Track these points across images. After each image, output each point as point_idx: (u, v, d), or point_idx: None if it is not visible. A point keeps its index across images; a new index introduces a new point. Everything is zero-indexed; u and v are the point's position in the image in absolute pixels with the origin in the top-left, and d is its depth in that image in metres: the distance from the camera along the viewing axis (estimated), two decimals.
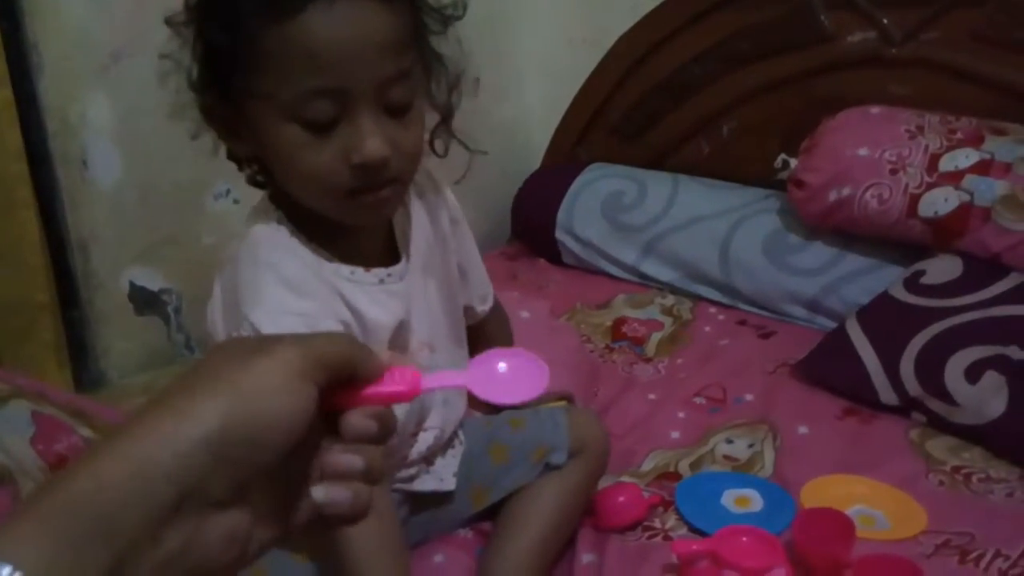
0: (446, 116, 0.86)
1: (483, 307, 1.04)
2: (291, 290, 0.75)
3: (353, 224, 0.80)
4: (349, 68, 0.69)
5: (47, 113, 1.31)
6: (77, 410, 1.05)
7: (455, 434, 0.99)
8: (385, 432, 0.41)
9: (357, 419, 0.41)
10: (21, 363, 1.25)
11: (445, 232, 0.94)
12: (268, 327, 0.72)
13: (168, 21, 0.77)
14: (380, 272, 0.83)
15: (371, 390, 0.42)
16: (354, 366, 0.41)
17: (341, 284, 0.80)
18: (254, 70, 0.70)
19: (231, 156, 0.84)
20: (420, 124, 0.78)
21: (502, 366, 0.46)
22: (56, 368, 1.29)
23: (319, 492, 0.40)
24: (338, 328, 0.77)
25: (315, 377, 0.39)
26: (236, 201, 1.47)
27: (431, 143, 0.87)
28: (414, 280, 0.87)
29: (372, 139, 0.71)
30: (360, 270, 0.82)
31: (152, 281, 1.44)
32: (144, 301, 1.44)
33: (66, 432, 0.99)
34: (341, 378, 0.40)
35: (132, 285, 1.42)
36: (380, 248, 0.86)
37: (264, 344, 0.39)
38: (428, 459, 0.96)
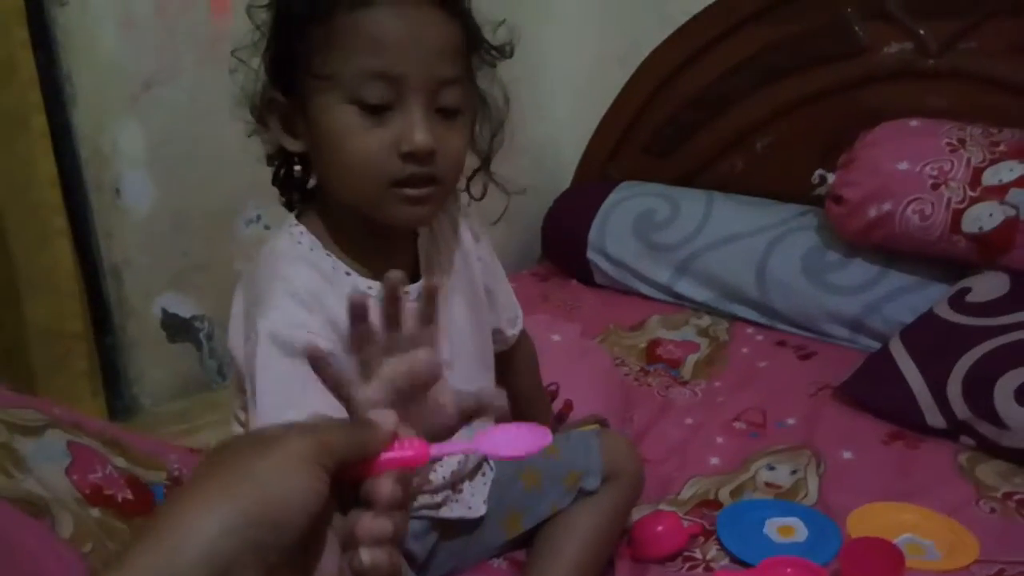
0: (485, 160, 0.89)
1: (512, 331, 1.04)
2: (299, 303, 0.76)
3: (386, 222, 0.81)
4: (408, 57, 0.74)
5: (80, 142, 1.33)
6: (111, 439, 1.04)
7: (484, 460, 0.97)
8: (409, 496, 0.44)
9: (385, 487, 0.44)
10: (56, 392, 1.26)
11: (469, 251, 0.94)
12: (273, 337, 0.74)
13: (248, 9, 0.80)
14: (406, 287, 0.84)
15: (384, 457, 0.45)
16: (360, 447, 0.44)
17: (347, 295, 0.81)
18: (322, 49, 0.75)
19: (276, 157, 0.86)
20: (466, 134, 0.82)
21: (506, 430, 0.51)
22: (90, 396, 1.30)
23: (365, 557, 0.43)
24: (333, 345, 0.76)
25: (325, 462, 0.42)
26: (267, 227, 1.48)
27: (467, 186, 0.90)
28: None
29: (422, 130, 0.75)
30: (378, 284, 0.81)
31: (184, 308, 1.45)
32: (176, 328, 1.44)
33: (101, 462, 0.99)
34: (348, 460, 0.43)
35: (164, 312, 1.43)
36: (402, 266, 0.85)
37: (274, 437, 0.41)
38: (454, 485, 0.94)
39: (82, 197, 1.33)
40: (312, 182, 0.87)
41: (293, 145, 0.80)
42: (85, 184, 1.33)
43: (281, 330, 0.75)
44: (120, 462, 1.00)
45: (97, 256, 1.35)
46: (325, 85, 0.75)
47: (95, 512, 0.91)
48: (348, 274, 0.82)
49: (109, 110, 1.36)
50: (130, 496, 0.97)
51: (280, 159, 0.87)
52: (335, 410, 0.73)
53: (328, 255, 0.81)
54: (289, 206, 0.88)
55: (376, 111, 0.75)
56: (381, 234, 0.83)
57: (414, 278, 0.87)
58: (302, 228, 0.82)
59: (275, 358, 0.74)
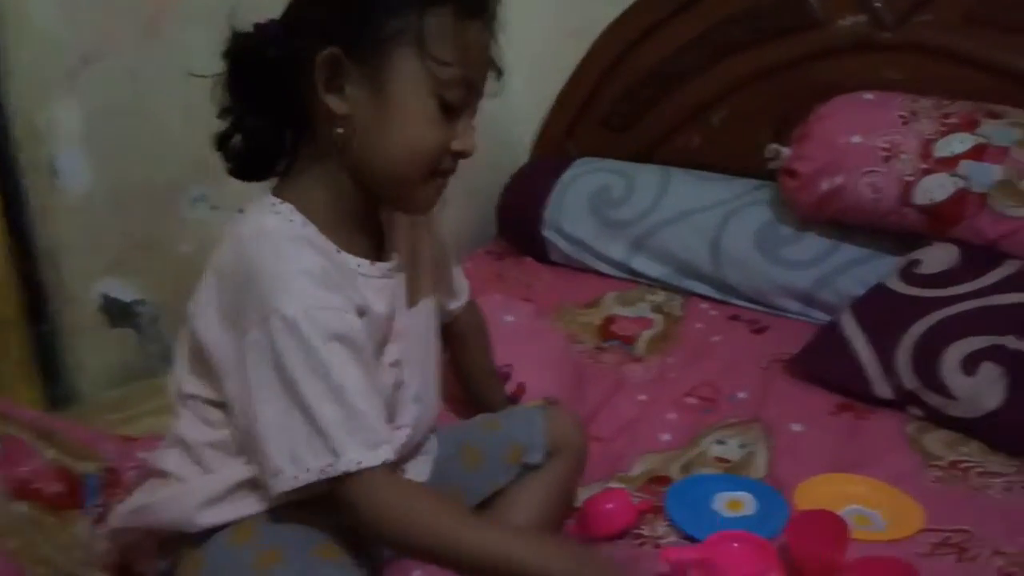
0: None
1: (455, 303, 1.05)
2: (319, 284, 0.76)
3: (399, 205, 0.87)
4: (486, 70, 0.82)
5: (13, 119, 1.27)
6: (45, 430, 1.02)
7: (427, 439, 0.96)
8: None
9: None
10: None
11: (420, 224, 0.94)
12: (303, 321, 0.73)
13: None
14: (383, 266, 0.86)
15: None
16: None
17: (352, 275, 0.82)
18: (439, 37, 0.77)
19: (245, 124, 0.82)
20: None
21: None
22: (25, 386, 1.26)
23: None
24: (357, 320, 0.78)
25: None
26: (214, 207, 1.44)
27: None
28: (403, 274, 0.90)
29: (472, 136, 0.82)
30: (366, 263, 0.84)
31: (125, 292, 1.40)
32: (117, 313, 1.40)
33: (30, 455, 0.97)
34: None
35: (104, 297, 1.39)
36: (374, 242, 0.87)
37: None
38: (398, 464, 0.93)
39: (15, 177, 1.28)
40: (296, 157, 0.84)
41: (339, 107, 0.78)
42: (18, 163, 1.28)
43: (309, 313, 0.74)
44: (51, 454, 0.98)
45: (32, 239, 1.30)
46: (420, 73, 0.77)
47: (22, 507, 0.89)
48: (338, 252, 0.81)
49: (45, 86, 1.30)
50: (60, 489, 0.95)
51: (237, 123, 0.82)
52: (374, 388, 0.76)
53: (319, 233, 0.80)
54: (241, 174, 0.85)
55: (450, 110, 0.79)
56: (363, 212, 0.85)
57: (380, 250, 0.87)
58: (289, 206, 0.80)
59: (307, 342, 0.73)
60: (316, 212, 0.81)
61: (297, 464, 0.73)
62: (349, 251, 0.82)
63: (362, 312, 0.80)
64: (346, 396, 0.74)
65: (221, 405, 0.81)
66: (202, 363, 0.81)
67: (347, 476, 0.73)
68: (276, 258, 0.76)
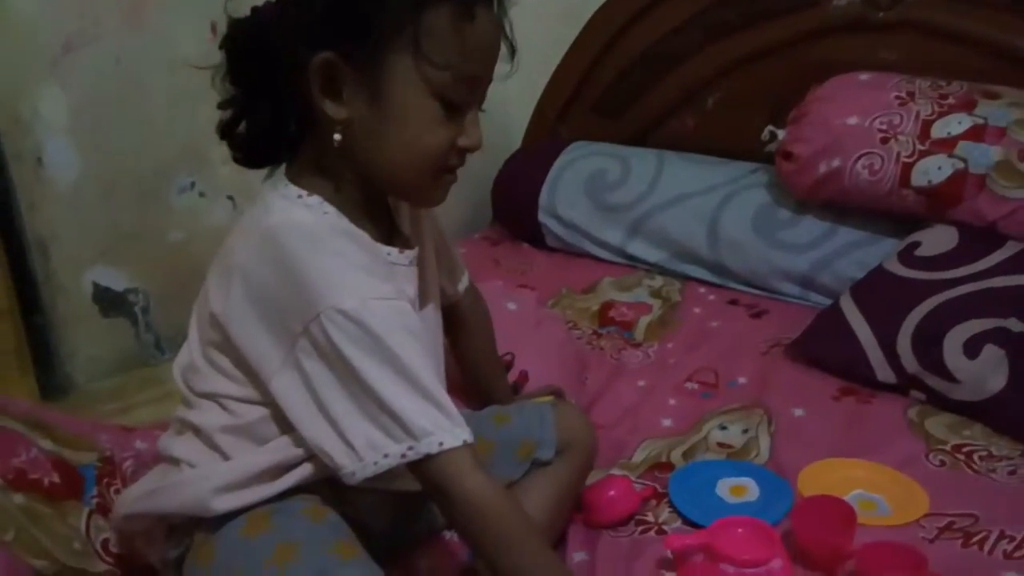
0: None
1: (456, 287, 1.05)
2: (369, 274, 0.76)
3: (410, 200, 0.88)
4: (489, 66, 0.79)
5: None
6: (38, 421, 1.00)
7: None
8: None
9: None
10: None
11: (419, 211, 0.94)
12: (363, 312, 0.73)
13: None
14: (410, 254, 0.86)
15: None
16: None
17: (388, 264, 0.82)
18: (434, 37, 0.75)
19: (247, 112, 0.81)
20: None
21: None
22: (19, 376, 1.25)
23: None
24: (408, 307, 0.79)
25: None
26: (202, 194, 1.41)
27: None
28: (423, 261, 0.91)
29: (479, 129, 0.80)
30: (395, 251, 0.84)
31: (117, 281, 1.39)
32: (109, 302, 1.39)
33: (25, 446, 0.95)
34: None
35: (96, 286, 1.38)
36: (388, 230, 0.87)
37: None
38: None
39: (1, 168, 1.26)
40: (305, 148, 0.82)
41: (337, 112, 0.76)
42: (4, 154, 1.26)
43: (367, 303, 0.73)
44: (47, 444, 0.97)
45: (21, 230, 1.28)
46: (417, 76, 0.75)
47: (18, 498, 0.87)
48: (373, 242, 0.81)
49: (28, 74, 1.29)
50: (57, 479, 0.93)
51: (241, 112, 0.81)
52: (438, 372, 0.77)
53: (352, 224, 0.79)
54: (248, 162, 0.83)
55: (453, 107, 0.77)
56: (375, 200, 0.84)
57: (392, 240, 0.86)
58: (318, 197, 0.79)
59: (371, 331, 0.72)
60: (342, 203, 0.80)
61: (376, 451, 0.73)
62: (375, 239, 0.82)
63: (407, 298, 0.80)
64: (418, 381, 0.73)
65: (248, 400, 0.80)
66: (236, 364, 0.80)
67: (430, 459, 0.73)
68: (319, 253, 0.75)
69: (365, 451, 0.73)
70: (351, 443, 0.73)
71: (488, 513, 0.74)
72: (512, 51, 0.81)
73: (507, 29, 0.80)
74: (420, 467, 0.74)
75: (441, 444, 0.73)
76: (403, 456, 0.73)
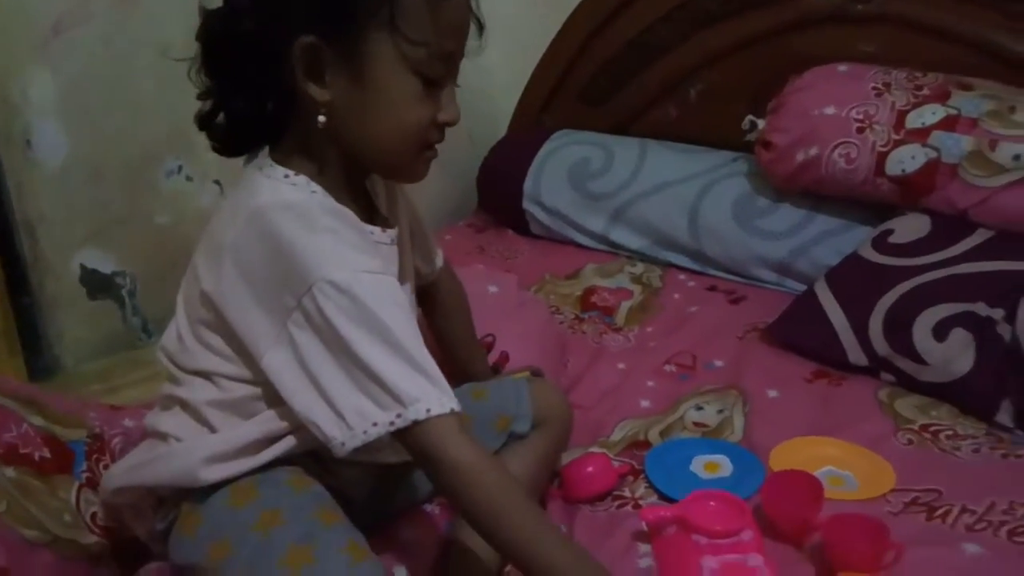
0: None
1: (430, 267, 1.06)
2: (358, 250, 0.78)
3: (393, 177, 0.91)
4: (463, 42, 0.81)
5: None
6: (29, 398, 1.01)
7: None
8: None
9: None
10: None
11: (394, 188, 0.96)
12: (354, 283, 0.75)
13: None
14: (391, 233, 0.88)
15: None
16: None
17: (372, 242, 0.83)
18: (412, 16, 0.77)
19: (225, 102, 0.82)
20: None
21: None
22: (7, 356, 1.25)
23: None
24: (395, 281, 0.81)
25: None
26: (189, 178, 1.43)
27: None
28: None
29: (456, 104, 0.82)
30: (378, 230, 0.86)
31: (104, 264, 1.40)
32: (97, 284, 1.40)
33: (16, 421, 0.96)
34: None
35: (83, 268, 1.38)
36: (368, 208, 0.88)
37: None
38: None
39: None
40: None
41: (321, 94, 0.78)
42: None
43: (357, 276, 0.75)
44: (37, 421, 0.98)
45: (9, 212, 1.29)
46: (396, 53, 0.77)
47: (10, 471, 0.89)
48: (358, 220, 0.82)
49: (16, 56, 1.29)
50: (48, 455, 0.94)
51: (219, 102, 0.82)
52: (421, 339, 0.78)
53: (335, 203, 0.81)
54: (228, 152, 0.85)
55: (432, 84, 0.79)
56: (355, 180, 0.86)
57: (372, 219, 0.87)
58: (304, 177, 0.81)
59: (361, 302, 0.74)
60: (327, 183, 0.82)
61: (364, 419, 0.74)
62: (361, 220, 0.83)
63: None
64: (407, 351, 0.75)
65: (238, 378, 0.81)
66: (227, 341, 0.81)
67: (418, 426, 0.74)
68: (309, 230, 0.76)
69: (355, 421, 0.74)
70: (341, 413, 0.74)
71: (477, 479, 0.75)
72: (480, 28, 0.83)
73: (474, 7, 0.82)
74: (408, 435, 0.75)
75: (429, 410, 0.74)
76: (391, 424, 0.74)
